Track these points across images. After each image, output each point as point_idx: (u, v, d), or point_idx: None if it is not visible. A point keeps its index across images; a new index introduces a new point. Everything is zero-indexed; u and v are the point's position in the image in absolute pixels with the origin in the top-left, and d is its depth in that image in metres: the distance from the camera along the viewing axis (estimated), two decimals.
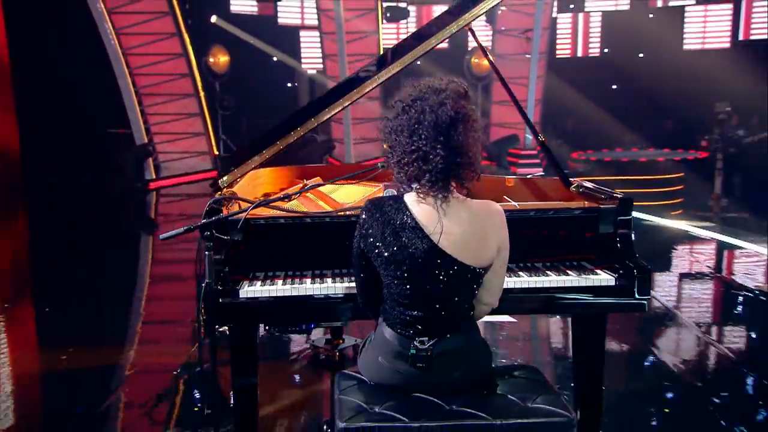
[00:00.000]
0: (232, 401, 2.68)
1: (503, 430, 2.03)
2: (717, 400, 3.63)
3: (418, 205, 2.05)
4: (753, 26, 13.13)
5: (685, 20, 13.47)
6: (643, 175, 10.10)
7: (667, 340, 4.72)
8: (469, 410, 2.08)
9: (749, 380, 3.98)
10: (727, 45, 13.20)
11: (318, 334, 4.26)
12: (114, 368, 4.22)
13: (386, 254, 2.07)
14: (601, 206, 2.65)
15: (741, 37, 13.12)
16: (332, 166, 3.57)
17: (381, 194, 2.84)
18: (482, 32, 13.43)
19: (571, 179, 2.93)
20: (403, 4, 12.80)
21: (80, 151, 10.63)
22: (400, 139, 2.03)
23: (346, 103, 2.86)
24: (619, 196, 2.68)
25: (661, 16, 13.65)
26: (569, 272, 2.57)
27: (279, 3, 12.44)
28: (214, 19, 12.14)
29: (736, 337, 4.87)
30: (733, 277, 6.21)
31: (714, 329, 4.98)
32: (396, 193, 2.35)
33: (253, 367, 2.54)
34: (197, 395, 3.75)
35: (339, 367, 3.97)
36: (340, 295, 2.45)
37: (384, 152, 2.29)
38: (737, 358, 4.27)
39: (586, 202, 2.79)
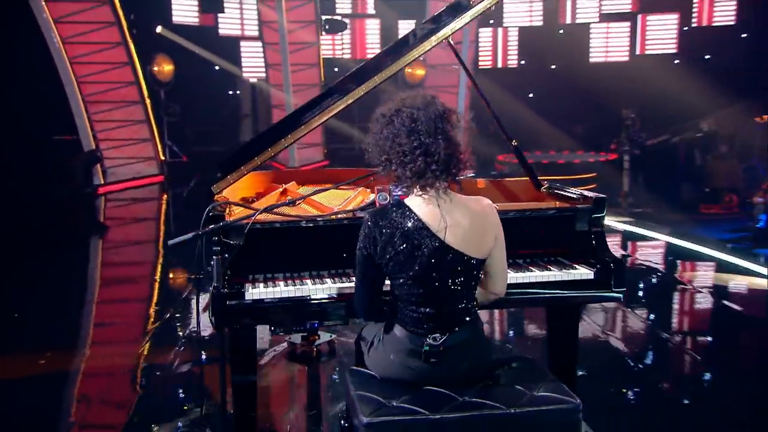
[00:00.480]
0: (225, 400, 2.80)
1: (516, 417, 2.07)
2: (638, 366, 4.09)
3: (420, 208, 2.11)
4: (647, 42, 14.31)
5: (591, 36, 14.39)
6: (561, 176, 10.57)
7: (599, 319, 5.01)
8: (483, 401, 2.12)
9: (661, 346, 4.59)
10: (626, 58, 14.27)
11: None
12: (68, 372, 4.12)
13: (399, 257, 2.11)
14: (578, 206, 2.76)
15: (638, 52, 14.24)
16: (304, 170, 3.81)
17: (373, 198, 2.84)
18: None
19: (541, 181, 3.06)
20: (339, 17, 13.44)
21: (27, 158, 10.52)
22: (399, 140, 2.08)
23: (337, 110, 2.84)
24: (591, 195, 2.79)
25: (570, 32, 14.47)
26: (551, 267, 2.65)
27: (219, 14, 12.79)
28: (159, 29, 12.25)
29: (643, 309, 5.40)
30: (640, 260, 6.97)
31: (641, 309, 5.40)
32: (389, 197, 2.63)
33: (253, 365, 2.58)
34: (182, 395, 3.72)
35: (316, 362, 4.04)
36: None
37: (373, 162, 2.25)
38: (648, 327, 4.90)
39: (557, 202, 2.92)
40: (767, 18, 13.36)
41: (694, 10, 13.90)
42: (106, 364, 4.28)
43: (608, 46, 14.36)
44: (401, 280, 2.14)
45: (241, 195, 3.25)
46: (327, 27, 12.70)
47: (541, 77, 14.31)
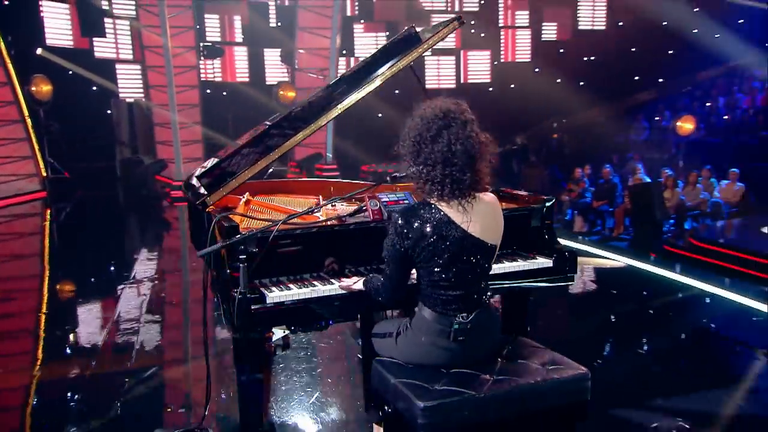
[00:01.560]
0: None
1: (542, 389, 2.17)
2: None
3: (446, 205, 2.18)
4: (469, 73, 16.61)
5: (425, 66, 16.14)
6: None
7: None
8: (510, 377, 2.19)
9: None
10: (454, 85, 16.25)
11: None
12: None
13: (430, 248, 2.16)
14: (532, 205, 2.90)
15: (462, 81, 16.50)
16: (253, 182, 3.09)
17: (362, 205, 2.77)
18: (279, 71, 15.51)
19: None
20: (214, 44, 14.07)
21: None
22: (436, 167, 2.12)
23: (320, 125, 2.82)
24: (544, 197, 2.94)
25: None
26: (517, 259, 2.76)
27: (95, 38, 12.87)
28: (39, 51, 12.11)
29: None
30: None
31: None
32: (378, 204, 2.70)
33: (259, 365, 2.59)
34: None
35: (275, 357, 3.95)
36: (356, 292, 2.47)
37: (408, 172, 2.26)
38: None
39: (503, 203, 2.87)
40: (555, 56, 16.69)
41: (502, 48, 16.70)
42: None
43: (440, 75, 16.36)
44: (433, 268, 2.20)
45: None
46: (205, 53, 13.32)
47: (388, 100, 15.71)
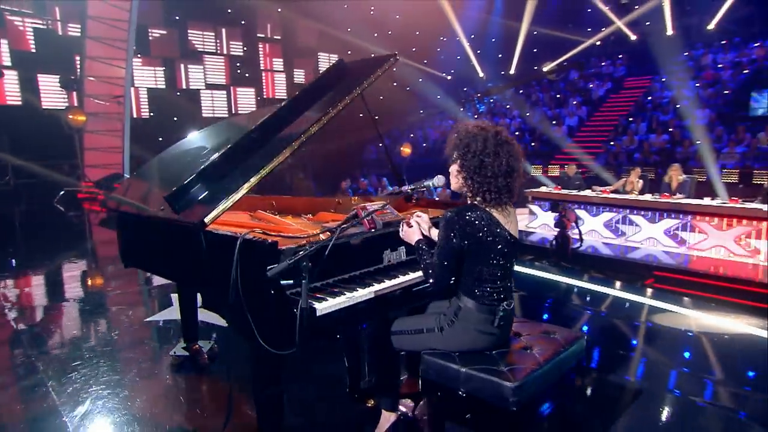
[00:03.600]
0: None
1: (567, 356, 2.32)
2: None
3: (493, 209, 2.23)
4: (239, 105, 17.54)
5: (201, 98, 16.91)
6: None
7: None
8: (539, 347, 2.31)
9: None
10: (226, 115, 17.01)
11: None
12: None
13: (484, 245, 2.18)
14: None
15: (234, 111, 17.42)
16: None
17: (354, 211, 2.63)
18: (60, 97, 14.59)
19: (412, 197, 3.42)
20: None
21: None
22: (498, 178, 2.18)
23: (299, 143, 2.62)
24: (458, 202, 2.90)
25: (184, 95, 16.57)
26: None
27: None
28: None
29: None
30: None
31: None
32: (368, 210, 2.60)
33: (280, 377, 2.37)
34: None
35: (213, 363, 3.64)
36: (397, 292, 2.44)
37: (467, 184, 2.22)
38: None
39: (429, 209, 3.18)
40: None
41: (264, 86, 18.24)
42: None
43: (214, 106, 17.08)
44: (483, 263, 2.20)
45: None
46: None
47: (168, 126, 15.65)
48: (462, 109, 19.42)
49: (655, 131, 14.80)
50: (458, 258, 2.20)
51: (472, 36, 19.24)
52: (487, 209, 2.21)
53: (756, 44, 16.14)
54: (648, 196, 8.45)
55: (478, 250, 2.18)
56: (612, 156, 14.44)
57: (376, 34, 18.83)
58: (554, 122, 17.16)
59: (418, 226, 2.48)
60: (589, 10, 19.57)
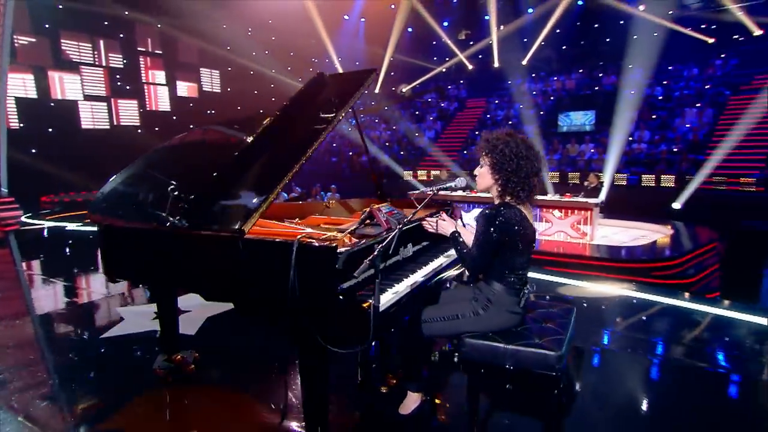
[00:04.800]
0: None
1: (574, 323, 2.40)
2: None
3: (522, 207, 2.23)
4: (121, 116, 15.78)
5: (80, 109, 14.78)
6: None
7: None
8: (558, 322, 2.37)
9: None
10: (108, 126, 15.38)
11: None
12: None
13: (518, 238, 2.19)
14: (443, 209, 3.05)
15: (115, 123, 15.59)
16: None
17: (367, 212, 2.59)
18: None
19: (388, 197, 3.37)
20: None
21: None
22: (530, 178, 2.20)
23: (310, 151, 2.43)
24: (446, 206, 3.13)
25: (59, 105, 14.32)
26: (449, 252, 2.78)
27: None
28: None
29: None
30: None
31: None
32: (383, 212, 2.59)
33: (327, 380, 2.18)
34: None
35: (201, 371, 3.21)
36: (429, 283, 2.38)
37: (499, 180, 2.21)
38: None
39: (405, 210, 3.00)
40: (188, 108, 17.47)
41: (146, 99, 16.53)
42: None
43: (94, 117, 15.04)
44: (516, 254, 2.22)
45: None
46: None
47: (42, 138, 13.88)
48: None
49: None
50: (495, 250, 2.21)
51: (339, 59, 19.37)
52: (518, 206, 2.22)
53: (555, 78, 18.45)
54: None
55: (512, 242, 2.20)
56: (466, 162, 15.51)
57: (254, 53, 18.11)
58: (417, 134, 17.95)
59: (450, 221, 2.49)
60: (434, 43, 20.86)
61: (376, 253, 1.95)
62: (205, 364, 3.34)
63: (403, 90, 20.96)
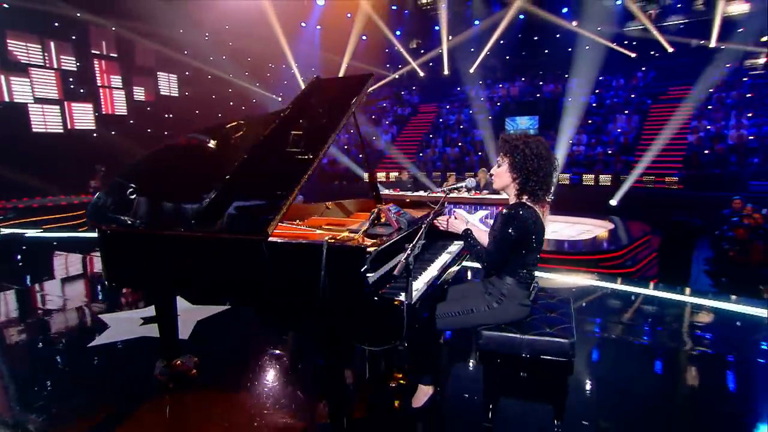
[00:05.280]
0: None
1: (574, 311, 2.47)
2: None
3: (536, 207, 2.24)
4: (75, 120, 14.75)
5: (30, 112, 13.64)
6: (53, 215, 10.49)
7: None
8: (562, 311, 2.43)
9: None
10: (62, 130, 14.35)
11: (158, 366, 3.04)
12: None
13: (533, 236, 2.21)
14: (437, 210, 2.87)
15: (69, 127, 14.59)
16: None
17: (375, 212, 2.54)
18: None
19: (382, 198, 3.26)
20: None
21: None
22: (549, 178, 2.21)
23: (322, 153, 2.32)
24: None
25: (8, 108, 13.35)
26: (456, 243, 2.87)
27: None
28: None
29: None
30: None
31: None
32: (392, 211, 2.56)
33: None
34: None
35: (202, 374, 3.07)
36: (439, 280, 2.35)
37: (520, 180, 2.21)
38: None
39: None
40: (145, 112, 16.67)
41: (102, 102, 15.54)
42: None
43: (46, 120, 14.00)
44: (529, 252, 2.23)
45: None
46: None
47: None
48: None
49: (449, 145, 16.52)
50: (512, 248, 2.23)
51: (297, 65, 19.08)
52: (533, 206, 2.23)
53: (500, 85, 19.05)
54: (465, 194, 9.34)
55: (527, 241, 2.22)
56: (422, 164, 15.69)
57: (211, 58, 17.51)
58: (374, 137, 17.98)
59: (463, 219, 2.52)
60: (387, 50, 20.97)
61: (409, 251, 1.92)
62: (205, 368, 3.20)
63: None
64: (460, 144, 16.32)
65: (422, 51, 20.82)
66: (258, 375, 3.19)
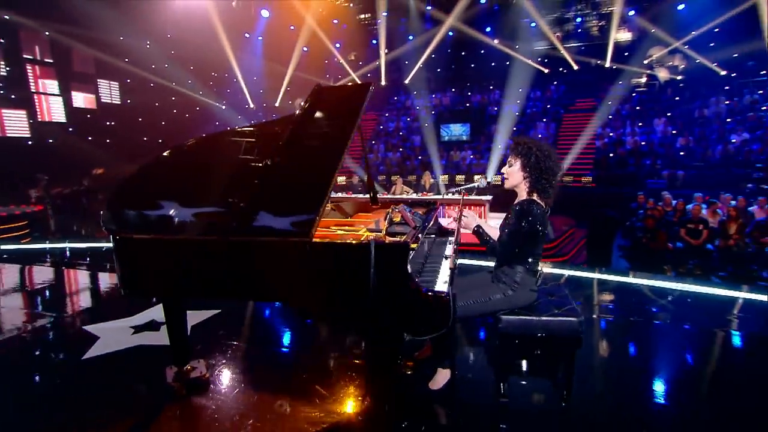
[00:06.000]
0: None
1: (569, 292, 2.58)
2: None
3: (543, 203, 2.36)
4: (7, 128, 13.22)
5: None
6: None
7: None
8: (560, 295, 2.54)
9: None
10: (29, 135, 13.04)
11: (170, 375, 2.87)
12: None
13: (543, 228, 2.30)
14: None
15: (1, 134, 13.02)
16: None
17: (388, 214, 2.61)
18: None
19: (379, 198, 3.33)
20: None
21: None
22: (555, 177, 2.34)
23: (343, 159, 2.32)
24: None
25: None
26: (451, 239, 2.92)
27: None
28: None
29: None
30: None
31: None
32: (408, 210, 2.61)
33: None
34: None
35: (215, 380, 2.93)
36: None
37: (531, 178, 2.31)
38: None
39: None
40: (86, 119, 15.25)
41: (38, 109, 14.07)
42: None
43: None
44: (538, 243, 2.33)
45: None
46: None
47: None
48: None
49: (391, 150, 16.74)
50: (525, 239, 2.33)
51: (240, 74, 18.43)
52: (540, 202, 2.34)
53: (434, 96, 19.63)
54: (413, 195, 9.55)
55: (537, 233, 2.33)
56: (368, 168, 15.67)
57: (153, 66, 16.46)
58: None
59: (473, 217, 2.64)
60: (326, 61, 20.84)
61: (453, 245, 2.12)
62: (216, 371, 3.11)
63: (296, 103, 20.61)
64: (401, 149, 16.60)
65: (360, 63, 20.90)
66: (272, 373, 3.11)
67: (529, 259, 2.38)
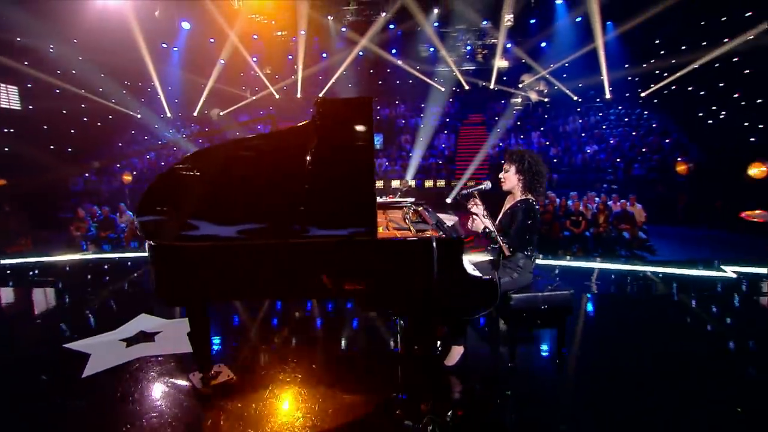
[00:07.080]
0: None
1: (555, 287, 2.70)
2: None
3: (536, 201, 2.57)
4: None
5: None
6: None
7: None
8: (552, 283, 2.74)
9: None
10: None
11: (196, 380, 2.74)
12: None
13: (539, 223, 2.56)
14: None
15: None
16: None
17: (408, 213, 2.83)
18: None
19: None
20: None
21: None
22: (542, 180, 2.55)
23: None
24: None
25: None
26: None
27: None
28: None
29: None
30: None
31: None
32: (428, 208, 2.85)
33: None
34: None
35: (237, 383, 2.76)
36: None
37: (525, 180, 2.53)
38: None
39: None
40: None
41: None
42: None
43: None
44: (536, 232, 2.59)
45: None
46: None
47: None
48: (160, 142, 16.89)
49: None
50: (530, 233, 2.57)
51: (158, 82, 16.80)
52: (536, 200, 2.61)
53: (380, 108, 19.86)
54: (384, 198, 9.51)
55: (536, 225, 2.60)
56: None
57: (59, 72, 14.27)
58: None
59: (480, 217, 2.76)
60: (241, 74, 19.87)
61: (497, 238, 2.37)
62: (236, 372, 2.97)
63: (212, 113, 19.36)
64: None
65: (276, 77, 20.27)
66: (295, 365, 3.04)
67: (528, 247, 2.63)
